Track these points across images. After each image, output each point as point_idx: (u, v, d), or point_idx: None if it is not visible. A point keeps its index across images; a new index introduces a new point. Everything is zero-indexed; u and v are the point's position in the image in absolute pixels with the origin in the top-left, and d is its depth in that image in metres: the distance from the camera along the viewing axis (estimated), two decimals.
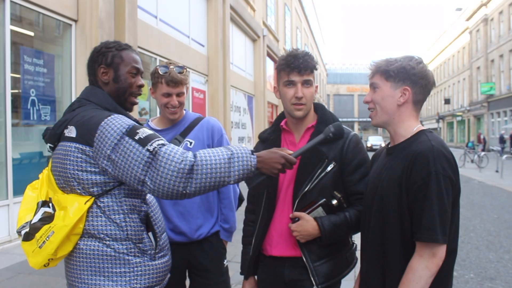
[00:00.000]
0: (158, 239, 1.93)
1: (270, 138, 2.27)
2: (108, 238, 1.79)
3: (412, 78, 1.81)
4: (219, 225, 2.68)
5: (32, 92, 6.58)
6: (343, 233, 2.09)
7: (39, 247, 1.77)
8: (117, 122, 1.76)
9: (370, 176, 2.00)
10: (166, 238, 2.03)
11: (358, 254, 2.30)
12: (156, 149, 1.68)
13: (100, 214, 1.80)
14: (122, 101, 1.99)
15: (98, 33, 7.28)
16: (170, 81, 2.47)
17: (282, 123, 2.26)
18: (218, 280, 2.66)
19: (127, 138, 1.71)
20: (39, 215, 1.84)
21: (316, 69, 2.16)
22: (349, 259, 2.20)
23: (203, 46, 13.54)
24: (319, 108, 2.25)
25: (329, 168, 2.07)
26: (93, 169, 1.77)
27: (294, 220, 2.06)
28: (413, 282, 1.67)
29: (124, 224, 1.81)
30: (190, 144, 2.58)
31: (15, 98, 6.34)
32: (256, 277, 2.33)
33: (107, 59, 1.96)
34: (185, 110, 2.71)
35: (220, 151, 1.76)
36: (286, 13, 29.33)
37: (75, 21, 7.35)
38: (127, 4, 8.11)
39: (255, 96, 20.29)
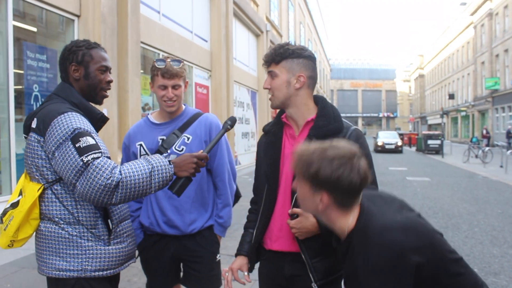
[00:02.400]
0: (114, 226, 2.09)
1: (272, 130, 2.26)
2: (62, 222, 1.99)
3: (329, 185, 1.59)
4: (213, 219, 2.70)
5: (35, 88, 6.59)
6: None
7: (4, 229, 2.01)
8: (66, 122, 1.91)
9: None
10: (127, 226, 2.18)
11: None
12: (89, 161, 1.84)
13: (55, 199, 2.00)
14: (94, 96, 2.18)
15: (101, 28, 7.28)
16: (165, 73, 2.51)
17: (283, 116, 2.24)
18: (209, 274, 2.69)
19: (69, 143, 1.88)
20: (14, 201, 2.05)
21: (283, 57, 2.09)
22: None
23: (206, 41, 13.52)
24: (319, 101, 2.18)
25: None
26: (47, 158, 1.97)
27: (293, 216, 2.03)
28: None
29: (75, 210, 2.00)
30: (188, 140, 2.60)
31: (18, 94, 6.36)
32: (247, 257, 2.26)
33: (78, 57, 2.13)
34: (185, 105, 2.73)
35: (143, 166, 1.93)
36: (290, 8, 29.24)
37: (78, 16, 7.34)
38: None
39: (258, 91, 20.27)
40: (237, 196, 2.93)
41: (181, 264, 2.73)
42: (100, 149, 1.91)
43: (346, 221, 1.64)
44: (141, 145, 2.64)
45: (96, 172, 1.82)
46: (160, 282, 2.70)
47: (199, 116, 2.68)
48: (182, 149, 2.58)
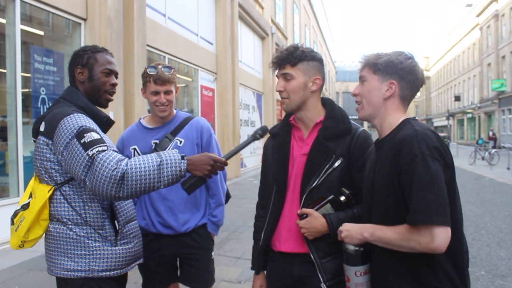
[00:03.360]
0: (121, 227, 2.12)
1: (280, 133, 2.26)
2: (70, 223, 2.03)
3: (399, 73, 1.81)
4: (206, 218, 2.80)
5: (42, 91, 6.64)
6: None
7: (15, 230, 2.06)
8: (72, 122, 1.95)
9: (365, 176, 1.97)
10: (133, 227, 2.21)
11: None
12: (94, 154, 1.86)
13: (63, 201, 2.03)
14: (97, 98, 2.21)
15: (107, 31, 7.32)
16: (157, 79, 2.61)
17: (291, 118, 2.24)
18: (206, 270, 2.78)
19: (75, 140, 1.91)
20: (25, 203, 2.09)
21: (299, 59, 2.09)
22: None
23: (211, 44, 13.55)
24: (327, 103, 2.21)
25: (336, 164, 2.05)
26: (55, 160, 2.00)
27: (302, 216, 2.04)
28: (399, 235, 1.64)
29: (83, 211, 2.03)
30: (180, 143, 2.69)
31: (25, 97, 6.40)
32: (265, 272, 2.33)
33: (83, 60, 2.18)
34: (176, 109, 2.82)
35: (151, 158, 1.92)
36: (295, 10, 29.26)
37: (84, 19, 7.39)
38: (136, 2, 8.15)
39: (264, 93, 20.28)
40: (227, 197, 3.01)
41: (178, 263, 2.81)
42: (105, 142, 1.93)
43: (399, 117, 1.84)
44: (135, 149, 2.73)
45: (101, 165, 1.83)
46: (156, 281, 2.76)
47: (190, 120, 2.78)
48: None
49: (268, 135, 2.35)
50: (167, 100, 2.64)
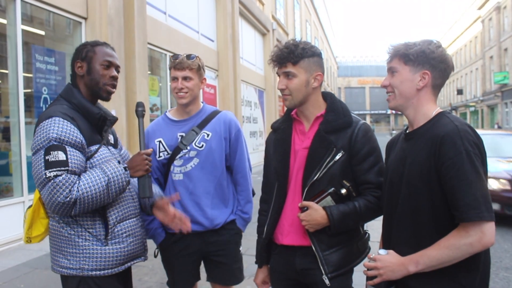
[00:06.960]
0: (111, 226, 2.11)
1: (281, 127, 2.28)
2: (61, 221, 2.07)
3: (431, 62, 1.80)
4: (234, 214, 2.73)
5: (44, 91, 6.65)
6: (352, 222, 2.08)
7: (23, 226, 2.15)
8: (47, 129, 1.96)
9: (389, 164, 1.96)
10: (127, 226, 2.17)
11: (371, 243, 2.30)
12: (51, 178, 1.90)
13: None
14: (98, 91, 2.19)
15: (108, 30, 7.33)
16: (176, 65, 2.58)
17: (293, 113, 2.26)
18: (233, 266, 2.73)
19: (42, 152, 1.94)
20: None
21: (301, 57, 2.07)
22: (360, 248, 2.19)
23: (212, 41, 13.54)
24: (328, 97, 2.22)
25: (337, 157, 2.06)
26: None
27: (303, 209, 2.05)
28: (448, 249, 1.62)
29: None
30: (208, 136, 2.63)
31: (27, 97, 6.41)
32: (269, 266, 2.34)
33: (82, 54, 2.18)
34: (203, 102, 2.77)
35: (99, 179, 1.98)
36: (295, 6, 29.20)
37: (85, 19, 7.39)
38: (136, 1, 8.14)
39: (266, 90, 20.27)
40: (252, 193, 2.94)
41: (203, 262, 2.76)
42: (68, 166, 1.93)
43: (433, 108, 1.83)
44: (160, 141, 2.67)
45: (56, 190, 1.88)
46: (184, 280, 2.71)
47: (218, 113, 2.71)
48: (202, 145, 2.61)
49: (270, 131, 2.37)
50: (185, 87, 2.57)
